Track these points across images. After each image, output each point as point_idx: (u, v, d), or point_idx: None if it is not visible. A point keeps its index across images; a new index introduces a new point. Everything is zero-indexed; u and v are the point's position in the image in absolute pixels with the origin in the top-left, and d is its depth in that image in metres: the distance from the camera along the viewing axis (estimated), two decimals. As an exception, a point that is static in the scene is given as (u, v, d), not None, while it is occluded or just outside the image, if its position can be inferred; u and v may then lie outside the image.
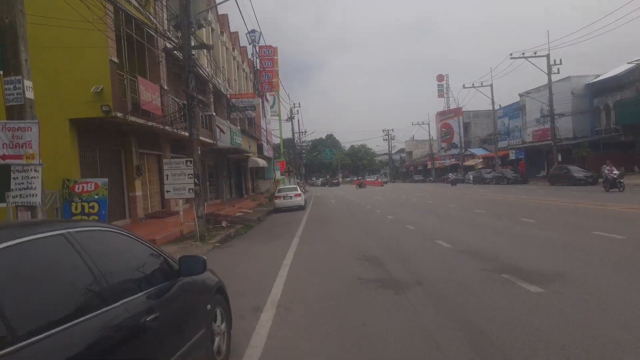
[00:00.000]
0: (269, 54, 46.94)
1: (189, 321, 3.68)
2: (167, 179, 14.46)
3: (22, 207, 6.08)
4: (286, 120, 62.05)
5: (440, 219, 17.04)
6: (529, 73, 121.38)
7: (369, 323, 5.28)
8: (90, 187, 13.83)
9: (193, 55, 15.85)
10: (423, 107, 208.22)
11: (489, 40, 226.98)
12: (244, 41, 43.84)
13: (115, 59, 14.58)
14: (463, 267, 8.03)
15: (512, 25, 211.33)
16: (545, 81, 43.98)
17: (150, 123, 15.74)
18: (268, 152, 45.98)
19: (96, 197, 13.81)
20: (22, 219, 5.94)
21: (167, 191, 14.53)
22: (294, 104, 70.17)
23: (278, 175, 51.96)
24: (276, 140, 56.32)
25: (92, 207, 13.74)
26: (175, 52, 17.26)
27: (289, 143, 78.23)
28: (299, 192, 29.26)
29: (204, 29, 25.97)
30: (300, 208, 27.86)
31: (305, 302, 6.45)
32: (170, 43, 15.17)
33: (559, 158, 42.35)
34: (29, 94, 6.01)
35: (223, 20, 33.26)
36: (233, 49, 36.05)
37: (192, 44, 15.12)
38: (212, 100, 26.77)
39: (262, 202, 35.67)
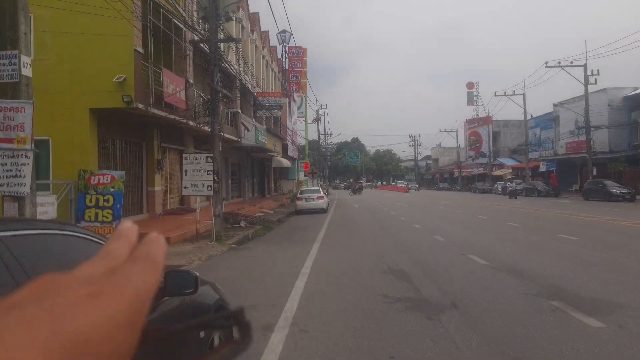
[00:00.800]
0: (298, 54, 46.40)
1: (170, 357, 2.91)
2: (185, 175, 13.88)
3: (9, 197, 5.47)
4: (312, 121, 61.47)
5: (471, 230, 16.09)
6: (561, 84, 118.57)
7: (399, 357, 4.49)
8: (107, 180, 13.33)
9: (220, 49, 15.28)
10: (451, 114, 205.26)
11: (518, 49, 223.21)
12: (273, 41, 43.46)
13: (140, 49, 14.08)
14: (503, 288, 7.17)
15: (544, 35, 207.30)
16: (580, 92, 42.42)
17: (172, 116, 15.16)
18: (293, 152, 45.39)
19: (112, 190, 13.30)
20: (8, 211, 5.33)
21: (185, 187, 13.95)
22: (321, 106, 69.58)
23: (301, 176, 51.34)
24: (301, 141, 55.74)
25: (107, 200, 13.23)
26: (202, 45, 16.74)
27: (313, 145, 77.65)
28: (322, 194, 28.53)
29: (234, 26, 25.53)
30: (323, 211, 27.13)
31: (323, 322, 5.68)
32: (197, 35, 14.60)
33: (594, 172, 40.70)
34: (26, 71, 5.40)
35: (254, 18, 32.78)
36: (263, 48, 35.57)
37: (220, 37, 14.53)
38: (238, 97, 26.25)
39: (284, 203, 35.06)
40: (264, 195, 39.88)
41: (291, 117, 45.41)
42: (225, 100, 17.21)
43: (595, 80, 40.62)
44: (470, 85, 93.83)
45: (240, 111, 25.87)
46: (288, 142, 42.29)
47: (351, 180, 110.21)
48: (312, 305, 6.47)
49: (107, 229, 13.23)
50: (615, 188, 34.63)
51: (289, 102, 44.11)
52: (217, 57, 13.81)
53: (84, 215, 13.28)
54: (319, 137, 66.24)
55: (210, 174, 13.79)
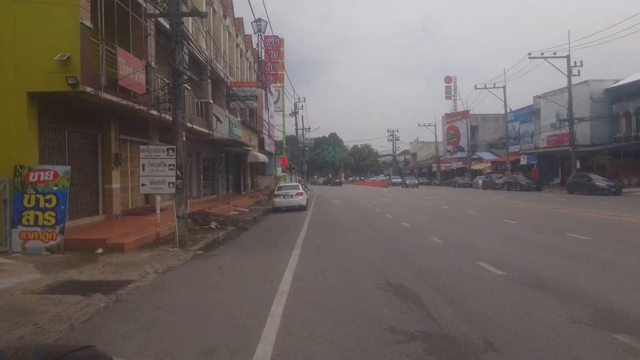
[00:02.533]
0: (274, 44, 44.37)
1: None
2: (142, 170, 11.94)
3: None
4: (290, 115, 59.52)
5: (468, 229, 14.50)
6: (540, 77, 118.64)
7: None
8: (48, 176, 11.34)
9: (184, 26, 13.35)
10: (429, 109, 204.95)
11: (496, 44, 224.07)
12: (248, 30, 41.37)
13: (89, 23, 12.04)
14: (542, 314, 5.50)
15: (520, 28, 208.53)
16: (561, 84, 41.46)
17: (126, 102, 13.16)
18: (270, 147, 43.44)
19: (55, 188, 11.31)
20: None
21: (142, 184, 12.01)
22: (299, 99, 67.61)
23: (279, 172, 49.47)
24: (279, 136, 53.78)
25: (49, 201, 11.25)
26: (165, 24, 14.78)
27: (291, 140, 75.72)
28: (301, 190, 26.74)
29: (203, 7, 23.47)
30: (302, 208, 25.36)
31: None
32: (157, 9, 12.63)
33: (577, 165, 39.79)
34: None
35: (227, 3, 30.69)
36: (237, 36, 33.50)
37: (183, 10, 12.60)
38: (209, 82, 24.24)
39: (261, 200, 33.17)
40: (240, 192, 37.90)
41: (267, 110, 43.42)
42: (191, 85, 15.26)
43: (579, 71, 39.73)
44: (448, 79, 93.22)
45: (211, 101, 23.88)
46: (265, 136, 40.33)
47: (329, 175, 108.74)
48: (294, 346, 4.70)
49: (49, 234, 11.24)
50: (600, 181, 33.74)
51: (266, 94, 42.12)
52: (179, 34, 11.87)
53: (22, 218, 11.23)
54: (297, 131, 64.37)
55: (172, 169, 11.88)
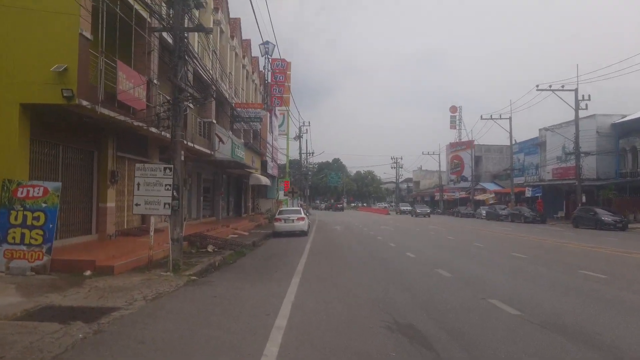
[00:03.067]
0: (281, 67, 44.31)
1: None
2: (137, 189, 11.37)
3: None
4: (294, 138, 59.22)
5: (476, 262, 13.83)
6: (546, 110, 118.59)
7: None
8: (38, 193, 10.77)
9: (188, 41, 12.96)
10: (432, 138, 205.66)
11: (499, 74, 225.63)
12: (256, 52, 41.36)
13: (89, 35, 11.65)
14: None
15: (526, 61, 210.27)
16: (567, 117, 41.10)
17: (123, 118, 12.67)
18: (272, 170, 42.97)
19: (44, 205, 10.74)
20: None
21: (137, 204, 11.42)
22: (304, 122, 67.45)
23: (281, 195, 48.91)
24: (282, 159, 53.40)
25: (37, 218, 10.67)
26: (169, 39, 14.43)
27: (294, 164, 75.41)
28: (302, 215, 26.13)
29: (211, 25, 23.28)
30: (303, 233, 24.72)
31: None
32: (161, 23, 12.25)
33: (583, 199, 39.15)
34: None
35: (234, 24, 30.62)
36: (243, 57, 33.35)
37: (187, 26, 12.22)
38: (212, 100, 23.86)
39: (261, 224, 32.54)
40: (240, 214, 37.28)
41: (272, 133, 43.11)
42: (194, 103, 14.81)
43: (586, 105, 39.36)
44: (453, 109, 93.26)
45: (214, 121, 23.47)
46: (268, 159, 39.89)
47: (332, 201, 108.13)
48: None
49: (36, 253, 10.63)
50: (606, 216, 33.02)
51: (270, 117, 41.87)
52: (182, 49, 11.46)
53: (7, 235, 10.59)
54: (300, 154, 63.95)
55: (168, 189, 11.33)
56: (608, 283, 10.05)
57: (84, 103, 11.16)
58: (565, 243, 20.46)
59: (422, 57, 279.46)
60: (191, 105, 18.72)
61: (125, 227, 17.60)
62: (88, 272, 10.78)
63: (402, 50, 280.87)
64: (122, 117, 12.28)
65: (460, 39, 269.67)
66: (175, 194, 11.44)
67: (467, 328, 6.38)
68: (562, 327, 6.42)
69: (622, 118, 44.26)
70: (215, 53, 21.49)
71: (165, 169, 11.45)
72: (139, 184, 11.42)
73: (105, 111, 12.17)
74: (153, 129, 15.22)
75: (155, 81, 15.97)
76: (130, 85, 13.19)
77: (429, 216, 58.77)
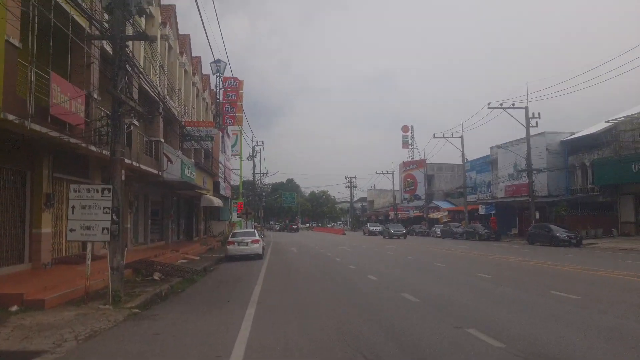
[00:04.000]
0: (234, 85, 43.35)
1: None
2: (72, 213, 10.16)
3: None
4: (247, 158, 58.08)
5: (442, 284, 13.18)
6: (497, 129, 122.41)
7: None
8: (-47, 219, 9.41)
9: (130, 52, 11.94)
10: (386, 157, 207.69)
11: (449, 96, 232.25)
12: (207, 70, 40.30)
13: (17, 42, 10.47)
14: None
15: (479, 85, 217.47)
16: (517, 135, 41.97)
17: (55, 134, 11.43)
18: (225, 191, 41.62)
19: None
20: None
21: (71, 230, 10.19)
22: (257, 142, 66.40)
23: (235, 217, 47.50)
24: (235, 180, 52.09)
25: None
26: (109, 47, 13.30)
27: (248, 185, 74.02)
28: (257, 237, 25.00)
29: (159, 42, 22.19)
30: (258, 257, 23.60)
31: None
32: (100, 31, 11.18)
33: (537, 216, 39.74)
34: None
35: (184, 40, 29.57)
36: (194, 74, 32.25)
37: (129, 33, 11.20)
38: (161, 124, 22.64)
39: (214, 247, 31.13)
40: (192, 238, 35.71)
41: (224, 152, 41.87)
42: (138, 118, 13.71)
43: (537, 122, 40.25)
44: (405, 128, 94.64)
45: (162, 140, 22.24)
46: (220, 179, 38.58)
47: (287, 221, 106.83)
48: None
49: (-52, 289, 9.22)
50: (561, 232, 33.41)
51: (223, 137, 40.68)
52: (122, 58, 10.42)
53: None
54: (254, 175, 62.75)
55: (107, 213, 10.17)
56: (583, 306, 9.55)
57: (10, 117, 9.93)
58: (526, 261, 20.24)
59: (374, 79, 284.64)
60: (135, 122, 17.57)
61: (64, 254, 16.13)
62: (14, 308, 9.48)
63: (354, 72, 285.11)
64: (55, 134, 11.04)
65: (409, 61, 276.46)
66: (115, 217, 10.28)
67: (447, 365, 5.61)
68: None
69: (571, 135, 45.62)
70: (162, 68, 20.40)
71: (103, 190, 10.29)
72: (73, 207, 10.21)
73: (37, 127, 10.93)
74: (93, 147, 14.00)
75: (95, 96, 14.76)
76: (66, 99, 11.99)
77: (405, 237, 49.46)
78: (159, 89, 19.88)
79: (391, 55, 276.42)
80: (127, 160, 17.12)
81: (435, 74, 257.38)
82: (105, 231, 10.17)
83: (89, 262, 10.28)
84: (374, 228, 65.21)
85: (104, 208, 10.18)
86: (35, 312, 9.35)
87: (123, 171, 10.87)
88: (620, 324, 7.86)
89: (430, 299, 10.50)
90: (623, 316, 8.46)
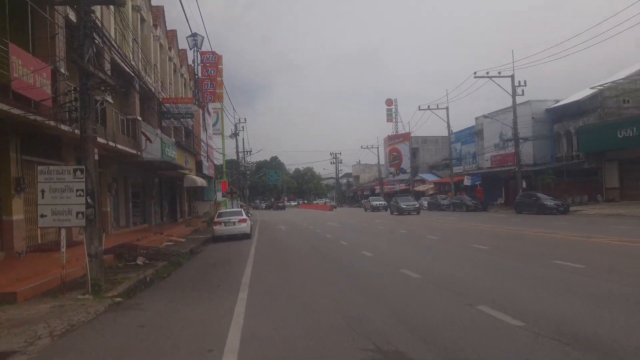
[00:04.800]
0: (212, 60, 41.94)
1: None
2: (42, 197, 9.29)
3: None
4: (230, 136, 56.88)
5: (440, 259, 12.64)
6: (481, 99, 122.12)
7: None
8: None
9: (97, 21, 10.94)
10: (371, 132, 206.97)
11: (432, 67, 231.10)
12: (183, 44, 38.86)
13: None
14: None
15: (457, 53, 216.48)
16: (502, 105, 41.49)
17: (17, 112, 10.46)
18: (209, 170, 40.63)
19: None
20: None
21: (42, 215, 9.33)
22: (239, 119, 65.09)
23: (219, 197, 46.61)
24: (218, 159, 51.03)
25: None
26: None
27: (231, 164, 72.89)
28: (244, 217, 24.25)
29: (129, 13, 20.97)
30: (246, 236, 22.89)
31: None
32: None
33: (524, 185, 39.57)
34: None
35: (157, 12, 28.20)
36: (170, 49, 30.95)
37: None
38: (137, 102, 21.55)
39: (200, 228, 30.34)
40: (176, 219, 34.82)
41: (206, 131, 40.73)
42: (109, 91, 12.75)
43: (523, 91, 39.75)
44: (389, 102, 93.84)
45: (139, 118, 21.20)
46: (203, 158, 37.57)
47: (272, 199, 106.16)
48: None
49: None
50: (548, 201, 33.25)
51: (204, 115, 39.49)
52: (88, 25, 9.44)
53: None
54: (237, 153, 61.62)
55: (80, 196, 9.32)
56: (591, 275, 9.06)
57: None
58: (519, 230, 19.86)
59: (357, 55, 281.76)
60: (109, 98, 16.55)
61: (40, 241, 15.22)
62: (-18, 303, 8.66)
63: (336, 49, 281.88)
64: (17, 111, 10.07)
65: (391, 36, 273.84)
66: (90, 200, 9.45)
67: (469, 350, 4.99)
68: (579, 340, 5.16)
69: (556, 103, 45.29)
70: (135, 41, 19.27)
71: (75, 170, 9.42)
72: (43, 191, 9.33)
73: (-2, 105, 9.96)
74: (63, 126, 13.02)
75: (63, 70, 13.71)
76: (31, 74, 10.99)
77: (419, 213, 41.01)
78: (133, 63, 18.79)
79: (375, 29, 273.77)
80: (102, 140, 16.17)
81: (419, 47, 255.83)
82: (80, 215, 9.34)
83: (63, 249, 9.45)
84: (378, 203, 58.23)
85: (77, 190, 9.32)
86: (6, 306, 8.55)
87: (96, 150, 9.97)
88: (629, 292, 7.35)
89: (432, 275, 9.90)
90: (633, 284, 7.96)
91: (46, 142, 14.67)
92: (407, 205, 41.94)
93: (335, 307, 7.40)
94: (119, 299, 9.11)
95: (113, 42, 13.56)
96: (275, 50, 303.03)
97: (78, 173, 9.38)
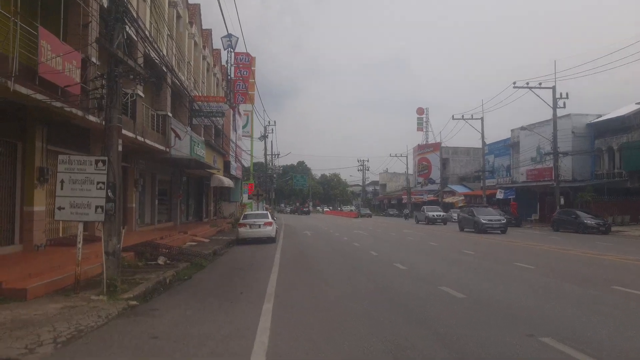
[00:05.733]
0: (246, 62, 41.58)
1: None
2: (61, 188, 8.71)
3: None
4: (259, 138, 56.53)
5: (482, 276, 11.64)
6: (515, 111, 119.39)
7: None
8: None
9: (136, 13, 10.38)
10: (400, 141, 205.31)
11: (465, 80, 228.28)
12: (217, 44, 38.61)
13: (-4, -11, 8.96)
14: None
15: (495, 68, 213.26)
16: (539, 118, 39.90)
17: (41, 97, 9.93)
18: (236, 171, 40.19)
19: None
20: None
21: (59, 208, 8.74)
22: (269, 122, 64.76)
23: (245, 199, 46.20)
24: (246, 159, 50.65)
25: None
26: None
27: (258, 167, 72.59)
28: (270, 220, 23.55)
29: (166, 8, 20.58)
30: (271, 240, 22.19)
31: None
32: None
33: (562, 201, 37.91)
34: None
35: (194, 9, 27.91)
36: (204, 47, 30.62)
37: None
38: (168, 97, 21.11)
39: (224, 229, 29.80)
40: (201, 219, 34.41)
41: (235, 132, 40.37)
42: (139, 81, 12.21)
43: (564, 103, 38.17)
44: (420, 111, 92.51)
45: (170, 114, 20.74)
46: (231, 159, 37.13)
47: (297, 204, 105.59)
48: None
49: None
50: (589, 219, 31.68)
51: (234, 115, 39.14)
52: (120, 9, 8.87)
53: None
54: (265, 156, 61.20)
55: (101, 189, 8.71)
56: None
57: (-14, 75, 8.45)
58: (563, 249, 18.60)
59: (387, 62, 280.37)
60: (140, 92, 16.08)
61: (61, 234, 14.83)
62: (-9, 298, 8.12)
63: (366, 56, 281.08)
64: (41, 97, 9.54)
65: (422, 45, 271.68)
66: (110, 194, 8.82)
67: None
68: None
69: (598, 118, 43.48)
70: (171, 37, 18.84)
71: (97, 162, 8.82)
72: (62, 182, 8.75)
73: (23, 89, 9.43)
74: (91, 117, 12.52)
75: (94, 60, 13.23)
76: (60, 60, 10.48)
77: (505, 232, 31.10)
78: (166, 58, 18.32)
79: (407, 36, 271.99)
80: (131, 134, 15.70)
81: (452, 56, 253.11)
82: (100, 210, 8.72)
83: (79, 245, 8.85)
84: (435, 214, 48.22)
85: (98, 183, 8.72)
86: (14, 304, 7.98)
87: (120, 141, 9.34)
88: None
89: (478, 295, 8.95)
90: None
91: (75, 133, 14.25)
92: (487, 220, 32.12)
93: (372, 328, 6.54)
94: (134, 302, 8.44)
95: (147, 33, 13.05)
96: (306, 56, 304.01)
97: (100, 164, 8.77)
